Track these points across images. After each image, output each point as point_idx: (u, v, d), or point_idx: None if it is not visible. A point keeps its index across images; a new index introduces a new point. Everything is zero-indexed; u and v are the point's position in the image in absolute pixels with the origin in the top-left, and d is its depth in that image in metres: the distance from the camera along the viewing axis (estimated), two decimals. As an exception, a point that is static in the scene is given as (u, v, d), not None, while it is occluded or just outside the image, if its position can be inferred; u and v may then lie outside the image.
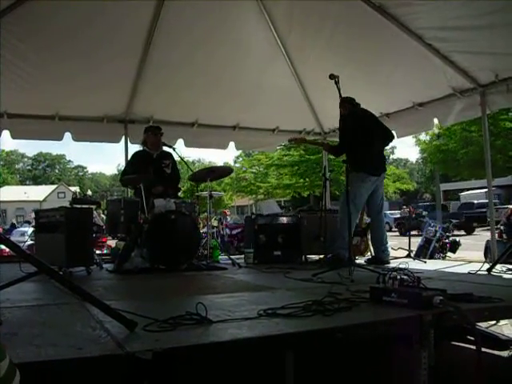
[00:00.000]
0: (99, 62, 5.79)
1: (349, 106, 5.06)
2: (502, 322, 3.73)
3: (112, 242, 8.27)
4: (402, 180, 34.45)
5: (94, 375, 1.56)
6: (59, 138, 6.62)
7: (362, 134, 4.93)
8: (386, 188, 28.32)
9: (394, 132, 6.56)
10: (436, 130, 23.01)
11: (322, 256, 5.60)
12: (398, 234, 22.52)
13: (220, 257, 5.82)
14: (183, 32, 5.80)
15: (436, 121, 6.25)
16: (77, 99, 6.21)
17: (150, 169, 5.32)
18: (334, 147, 5.63)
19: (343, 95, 4.20)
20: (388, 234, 5.71)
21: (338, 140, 5.96)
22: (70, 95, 6.13)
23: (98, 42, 5.55)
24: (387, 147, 5.76)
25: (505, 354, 3.26)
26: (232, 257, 5.52)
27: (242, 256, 5.95)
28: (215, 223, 11.60)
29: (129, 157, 6.17)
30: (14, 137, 6.32)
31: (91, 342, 1.78)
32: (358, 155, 4.82)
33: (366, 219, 6.05)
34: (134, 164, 5.56)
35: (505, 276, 3.98)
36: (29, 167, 77.79)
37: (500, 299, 2.57)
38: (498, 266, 4.23)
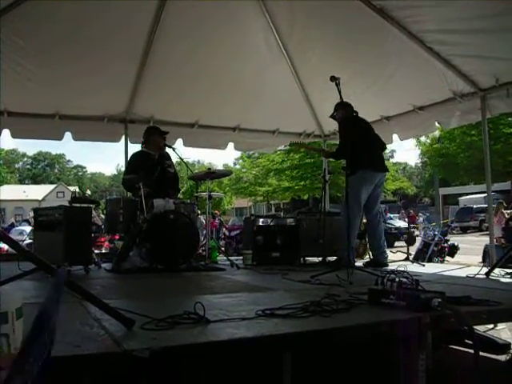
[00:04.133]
0: (100, 61, 5.78)
1: (349, 110, 5.08)
2: (500, 326, 3.73)
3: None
4: (400, 180, 34.64)
5: (92, 372, 1.56)
6: (59, 137, 6.59)
7: (362, 136, 4.97)
8: (385, 187, 28.40)
9: (395, 135, 6.66)
10: (437, 133, 23.08)
11: (321, 259, 5.61)
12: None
13: (218, 258, 5.81)
14: (185, 33, 5.81)
15: (437, 124, 6.25)
16: (77, 98, 6.19)
17: (155, 171, 5.31)
18: (333, 152, 5.63)
19: (344, 98, 4.20)
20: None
21: (337, 143, 6.00)
22: (71, 94, 6.12)
23: (99, 41, 5.55)
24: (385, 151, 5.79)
25: (502, 358, 3.27)
26: (230, 258, 5.51)
27: (241, 257, 5.95)
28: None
29: (128, 157, 6.14)
30: (14, 136, 6.28)
31: (89, 340, 1.78)
32: (359, 155, 4.83)
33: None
34: (135, 165, 5.50)
35: (503, 280, 3.98)
36: (28, 166, 77.72)
37: (498, 302, 2.56)
38: (497, 270, 4.23)
